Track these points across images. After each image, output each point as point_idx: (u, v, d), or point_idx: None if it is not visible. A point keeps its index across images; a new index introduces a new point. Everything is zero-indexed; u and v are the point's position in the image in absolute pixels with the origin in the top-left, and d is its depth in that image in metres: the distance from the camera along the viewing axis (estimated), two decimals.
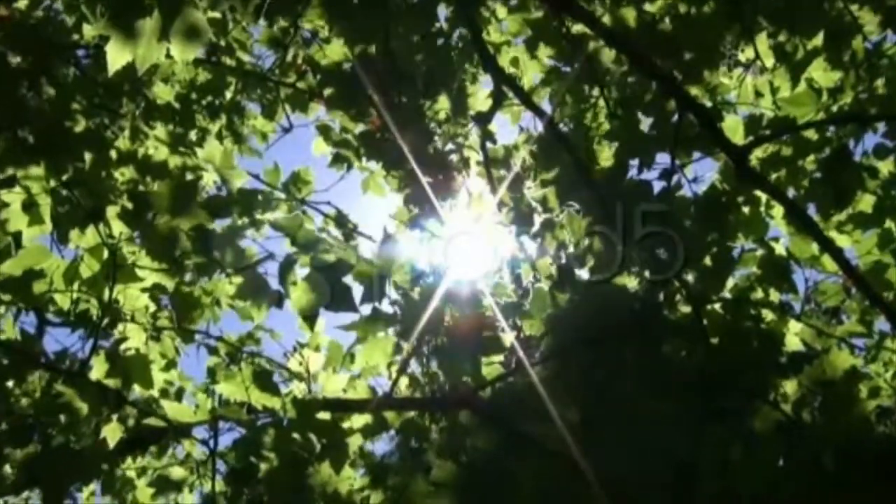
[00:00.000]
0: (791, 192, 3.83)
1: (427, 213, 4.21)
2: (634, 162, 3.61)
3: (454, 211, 4.28)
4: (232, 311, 4.36)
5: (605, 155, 3.83)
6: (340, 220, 5.09)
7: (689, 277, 3.50)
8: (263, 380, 3.40)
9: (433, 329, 3.26)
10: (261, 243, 3.60)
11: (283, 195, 5.30)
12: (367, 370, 3.80)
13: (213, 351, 4.59)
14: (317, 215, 5.37)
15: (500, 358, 3.43)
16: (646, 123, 3.74)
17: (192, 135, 4.99)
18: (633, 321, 3.18)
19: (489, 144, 4.31)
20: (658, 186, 3.52)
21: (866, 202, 3.91)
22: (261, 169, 5.63)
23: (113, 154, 3.67)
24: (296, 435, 3.31)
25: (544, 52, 4.24)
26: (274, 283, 3.27)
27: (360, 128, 4.29)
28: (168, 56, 2.72)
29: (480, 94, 4.39)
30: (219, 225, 3.48)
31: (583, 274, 3.68)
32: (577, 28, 3.95)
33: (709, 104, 3.85)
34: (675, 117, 3.55)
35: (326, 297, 3.08)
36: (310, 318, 3.09)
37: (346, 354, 3.95)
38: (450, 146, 4.39)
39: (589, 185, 3.59)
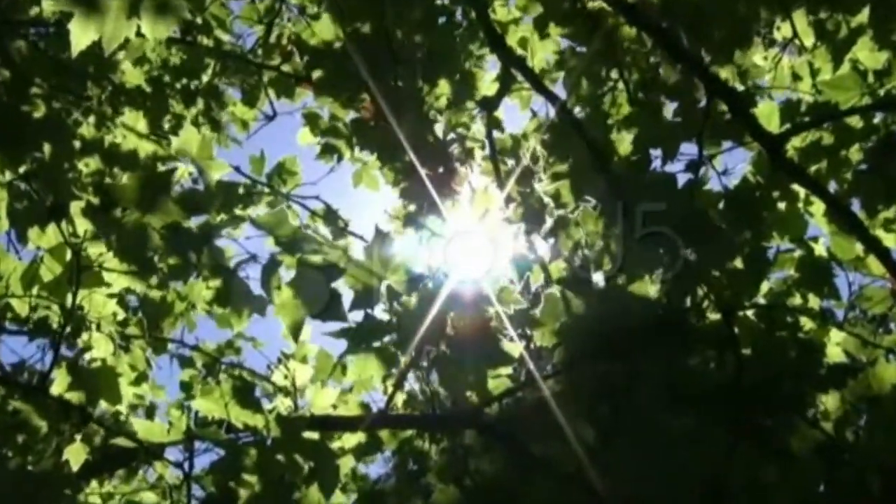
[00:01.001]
0: (833, 186, 3.82)
1: (426, 209, 4.23)
2: (657, 152, 3.60)
3: (456, 207, 4.31)
4: (209, 318, 4.38)
5: (625, 144, 3.78)
6: (330, 216, 5.09)
7: (719, 281, 3.49)
8: (244, 395, 3.40)
9: (433, 338, 3.26)
10: (241, 243, 3.60)
11: (266, 189, 5.32)
12: (360, 384, 3.80)
13: (188, 362, 4.61)
14: (303, 211, 5.44)
15: (507, 371, 3.41)
16: (670, 109, 3.75)
17: (166, 122, 5.01)
18: (656, 330, 3.23)
19: (496, 133, 4.34)
20: (684, 179, 3.53)
21: None
22: (241, 160, 5.69)
23: (77, 143, 3.67)
24: (280, 456, 3.31)
25: (557, 30, 4.23)
26: (256, 288, 3.32)
27: (351, 115, 4.29)
28: (138, 34, 2.72)
29: (486, 78, 4.41)
30: (195, 222, 3.48)
31: (599, 278, 3.69)
32: (594, 3, 3.96)
33: (741, 88, 3.85)
34: (703, 102, 3.55)
35: (314, 303, 3.09)
36: (295, 327, 3.11)
37: (336, 366, 3.97)
38: (452, 135, 4.41)
39: (607, 178, 3.58)
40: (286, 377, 3.92)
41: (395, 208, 4.47)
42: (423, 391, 3.56)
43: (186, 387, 4.71)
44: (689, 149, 3.63)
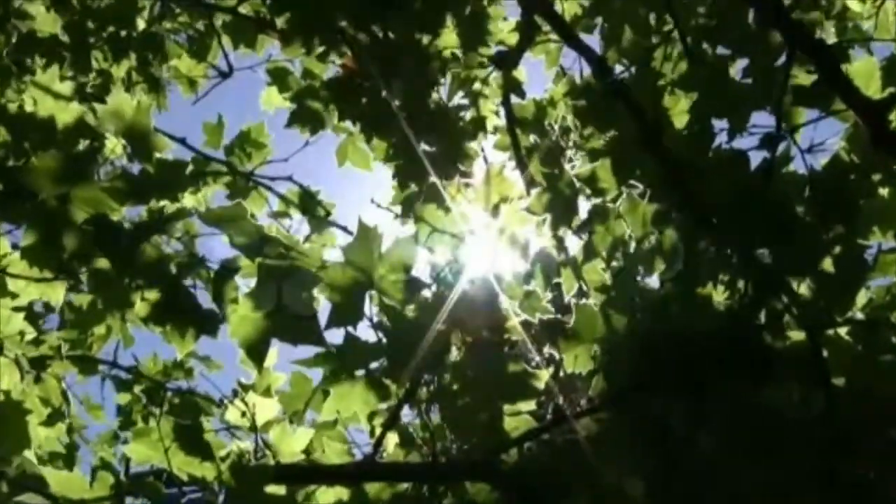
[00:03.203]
0: None
1: (425, 195, 4.24)
2: (723, 123, 3.60)
3: (465, 193, 4.34)
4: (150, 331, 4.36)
5: (682, 113, 3.78)
6: (307, 203, 5.07)
7: (803, 290, 3.48)
8: (190, 436, 3.37)
9: (434, 364, 3.29)
10: (188, 242, 3.57)
11: (223, 168, 5.31)
12: (340, 422, 3.72)
13: (124, 386, 4.60)
14: (273, 197, 5.52)
15: (530, 406, 3.39)
16: (739, 67, 3.74)
17: (90, 82, 5.02)
18: (723, 354, 3.22)
19: (514, 98, 4.32)
20: (757, 158, 3.52)
21: None
22: (189, 130, 5.76)
23: None
24: None
25: None
26: (206, 301, 3.31)
27: (329, 72, 4.37)
28: None
29: (504, 26, 4.41)
30: (129, 214, 3.47)
31: (649, 284, 3.70)
32: None
33: (832, 40, 3.85)
34: (783, 59, 3.55)
35: (280, 320, 3.08)
36: (256, 351, 3.10)
37: (309, 400, 3.94)
38: (458, 99, 4.42)
39: (657, 156, 3.59)
40: (244, 414, 3.88)
41: (386, 195, 4.53)
42: (422, 432, 3.50)
43: (124, 414, 4.70)
44: (763, 119, 3.62)
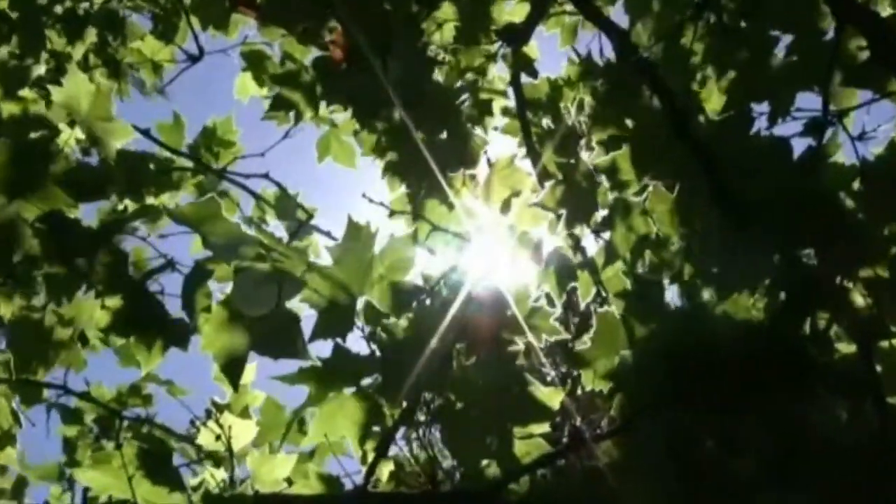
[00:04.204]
0: None
1: (424, 190, 4.24)
2: (763, 107, 3.63)
3: (468, 187, 4.33)
4: (107, 352, 4.38)
5: (716, 96, 3.81)
6: (284, 204, 5.06)
7: (854, 296, 3.45)
8: (157, 463, 3.34)
9: (435, 381, 3.29)
10: (154, 243, 3.58)
11: (190, 164, 5.33)
12: (327, 448, 3.73)
13: (73, 416, 4.58)
14: (246, 196, 5.49)
15: (543, 428, 3.39)
16: (781, 44, 3.75)
17: (41, 64, 4.98)
18: (762, 367, 3.18)
19: (525, 79, 4.35)
20: (801, 146, 3.50)
21: None
22: (155, 121, 5.65)
23: None
24: None
25: None
26: (176, 309, 3.28)
27: (313, 54, 4.27)
28: None
29: None
30: (87, 213, 3.46)
31: (677, 291, 3.67)
32: None
33: (886, 12, 3.82)
34: (830, 33, 3.56)
35: (259, 331, 3.09)
36: (232, 366, 3.09)
37: (292, 422, 3.95)
38: (461, 82, 4.42)
39: (688, 144, 3.56)
40: (219, 438, 3.84)
41: (375, 195, 4.50)
42: (420, 458, 3.53)
43: (70, 449, 4.68)
44: (808, 102, 3.64)
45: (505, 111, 4.64)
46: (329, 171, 5.06)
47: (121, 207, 3.64)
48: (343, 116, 4.64)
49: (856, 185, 3.55)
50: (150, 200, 4.00)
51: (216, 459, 3.92)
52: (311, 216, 5.16)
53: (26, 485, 4.62)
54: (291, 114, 4.61)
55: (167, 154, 5.17)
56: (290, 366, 3.23)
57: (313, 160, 5.23)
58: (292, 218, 5.11)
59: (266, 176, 5.29)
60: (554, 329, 3.40)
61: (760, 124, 3.60)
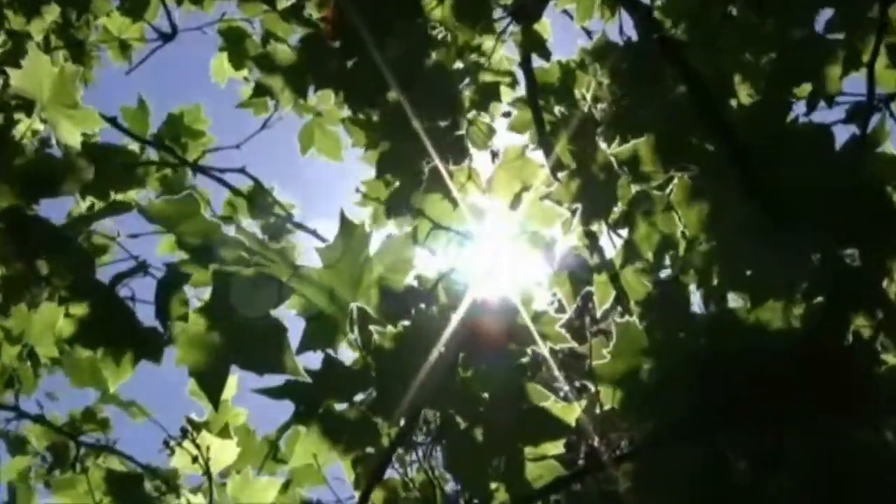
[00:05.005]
0: None
1: (424, 184, 4.26)
2: (801, 90, 3.61)
3: (473, 181, 4.35)
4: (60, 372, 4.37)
5: (749, 79, 3.79)
6: (263, 201, 5.04)
7: None
8: (127, 489, 3.34)
9: (437, 396, 3.29)
10: (123, 244, 3.52)
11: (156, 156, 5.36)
12: (316, 470, 3.62)
13: (20, 445, 4.57)
14: (222, 191, 5.52)
15: (557, 448, 3.40)
16: (820, 21, 3.74)
17: None
18: (802, 380, 3.18)
19: (536, 60, 4.38)
20: (844, 134, 3.48)
21: None
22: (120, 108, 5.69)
23: None
24: None
25: None
26: (148, 317, 3.25)
27: (299, 33, 4.29)
28: None
29: None
30: (47, 210, 3.44)
31: (704, 296, 3.64)
32: None
33: None
34: (875, 9, 3.55)
35: (241, 341, 3.09)
36: (210, 381, 3.09)
37: (276, 443, 3.95)
38: (465, 62, 4.40)
39: (718, 132, 3.55)
40: (195, 460, 3.81)
41: (370, 185, 4.50)
42: (419, 482, 3.51)
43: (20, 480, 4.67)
44: (852, 86, 3.65)
45: (515, 98, 4.63)
46: (312, 165, 5.07)
47: (85, 205, 3.61)
48: (328, 104, 4.60)
49: None
50: (118, 194, 3.97)
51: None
52: (289, 214, 5.14)
53: None
54: (271, 102, 4.61)
55: (132, 145, 5.17)
56: (276, 378, 3.22)
57: (295, 153, 5.26)
58: (269, 216, 5.08)
59: (242, 170, 5.30)
60: (559, 336, 3.39)
61: (798, 110, 3.59)
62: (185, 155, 5.32)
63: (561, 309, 4.05)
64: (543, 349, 3.38)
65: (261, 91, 4.58)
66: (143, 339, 3.26)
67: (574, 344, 3.53)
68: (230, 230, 3.19)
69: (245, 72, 4.79)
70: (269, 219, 5.29)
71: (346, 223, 3.22)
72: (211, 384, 3.12)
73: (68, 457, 4.49)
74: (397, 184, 4.28)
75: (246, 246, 3.14)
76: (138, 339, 3.25)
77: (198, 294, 3.18)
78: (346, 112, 4.54)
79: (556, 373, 3.42)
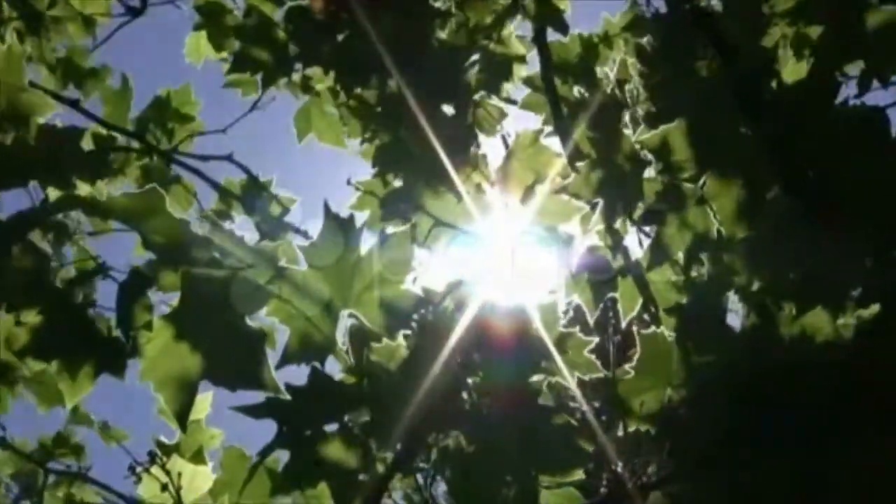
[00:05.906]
0: None
1: (426, 177, 4.24)
2: (853, 69, 3.63)
3: (481, 173, 4.34)
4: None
5: (793, 59, 3.79)
6: (250, 194, 5.02)
7: None
8: None
9: (440, 418, 3.31)
10: (86, 244, 3.56)
11: (136, 143, 5.38)
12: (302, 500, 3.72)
13: None
14: (201, 184, 5.55)
15: (577, 475, 3.40)
16: None
17: None
18: (850, 400, 3.19)
19: (552, 35, 4.41)
20: None
21: None
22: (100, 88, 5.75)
23: None
24: None
25: None
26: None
27: (286, 5, 4.34)
28: None
29: None
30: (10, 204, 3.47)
31: (742, 303, 3.62)
32: None
33: None
34: None
35: (216, 355, 3.10)
36: (178, 398, 3.11)
37: (256, 468, 3.81)
38: (471, 38, 4.40)
39: (757, 116, 3.56)
40: (165, 488, 3.83)
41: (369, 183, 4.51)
42: None
43: None
44: None
45: (529, 77, 4.64)
46: (311, 153, 5.08)
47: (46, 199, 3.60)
48: (324, 82, 4.63)
49: None
50: (85, 189, 3.94)
51: None
52: (287, 209, 5.12)
53: None
54: (259, 78, 4.59)
55: (107, 125, 5.18)
56: (255, 397, 3.26)
57: (292, 139, 5.27)
58: (264, 212, 5.06)
59: (229, 158, 5.26)
60: (590, 365, 3.42)
61: (849, 91, 3.63)
62: (171, 140, 5.32)
63: (577, 319, 4.03)
64: (561, 365, 3.38)
65: (241, 64, 4.59)
66: (103, 350, 3.25)
67: (605, 372, 3.54)
68: (201, 228, 3.17)
69: (225, 53, 4.77)
70: (263, 215, 5.29)
71: (331, 216, 3.23)
72: (179, 403, 3.13)
73: (36, 484, 4.52)
74: (397, 183, 4.31)
75: (219, 245, 3.14)
76: (98, 350, 3.25)
77: (166, 300, 3.18)
78: (341, 97, 4.59)
79: (575, 391, 3.41)
